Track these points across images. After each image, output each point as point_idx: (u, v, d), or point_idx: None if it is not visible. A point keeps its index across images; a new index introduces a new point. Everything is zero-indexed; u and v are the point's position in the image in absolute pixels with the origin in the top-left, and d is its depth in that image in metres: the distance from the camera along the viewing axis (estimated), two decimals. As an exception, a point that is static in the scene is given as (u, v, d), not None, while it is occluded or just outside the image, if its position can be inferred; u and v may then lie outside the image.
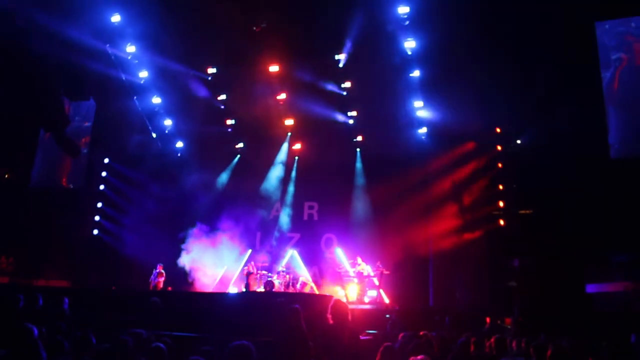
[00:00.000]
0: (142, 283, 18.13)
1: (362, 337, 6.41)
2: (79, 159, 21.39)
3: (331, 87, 19.32)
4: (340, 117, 19.80)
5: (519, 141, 18.20)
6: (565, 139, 16.09)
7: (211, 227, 19.31)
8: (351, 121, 19.85)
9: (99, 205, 21.91)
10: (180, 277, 18.84)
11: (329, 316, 5.88)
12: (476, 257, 17.68)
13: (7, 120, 19.09)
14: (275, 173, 20.88)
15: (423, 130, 19.24)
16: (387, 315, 14.12)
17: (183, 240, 19.22)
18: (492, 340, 7.41)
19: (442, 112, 18.25)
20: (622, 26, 16.16)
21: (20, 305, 8.18)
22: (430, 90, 18.09)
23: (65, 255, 20.79)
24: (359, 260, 17.38)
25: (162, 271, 18.00)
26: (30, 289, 14.58)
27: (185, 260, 18.95)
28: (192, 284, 18.92)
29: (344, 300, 10.66)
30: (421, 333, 8.31)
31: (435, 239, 17.92)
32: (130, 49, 19.36)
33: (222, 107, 20.89)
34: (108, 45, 19.11)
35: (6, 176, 23.30)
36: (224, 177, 21.50)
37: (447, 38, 16.67)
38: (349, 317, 5.88)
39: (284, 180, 20.83)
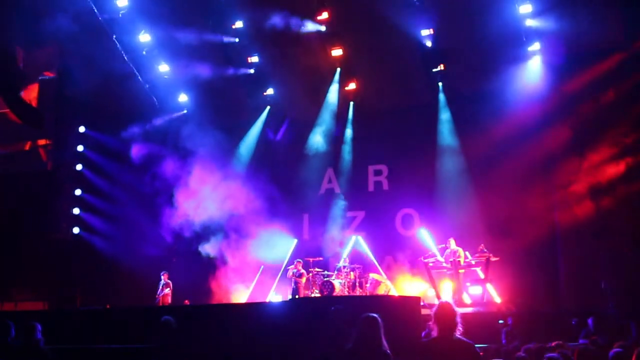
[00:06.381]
0: (147, 297, 18.43)
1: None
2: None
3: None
4: (411, 39, 19.37)
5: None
6: None
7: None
8: (428, 43, 19.43)
9: (78, 192, 22.05)
10: (199, 287, 19.15)
11: (433, 326, 5.66)
12: (629, 230, 17.22)
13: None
14: (323, 127, 20.85)
15: (535, 46, 18.81)
16: (500, 321, 14.10)
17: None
18: (662, 350, 7.18)
19: (563, 16, 17.73)
20: None
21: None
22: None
23: (37, 267, 21.12)
24: (453, 243, 17.14)
25: (168, 281, 18.29)
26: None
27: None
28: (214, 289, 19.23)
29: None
30: (553, 344, 8.39)
31: (565, 205, 17.60)
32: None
33: (238, 40, 20.81)
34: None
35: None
36: (250, 138, 21.61)
37: None
38: (460, 327, 5.66)
39: (337, 137, 20.80)
